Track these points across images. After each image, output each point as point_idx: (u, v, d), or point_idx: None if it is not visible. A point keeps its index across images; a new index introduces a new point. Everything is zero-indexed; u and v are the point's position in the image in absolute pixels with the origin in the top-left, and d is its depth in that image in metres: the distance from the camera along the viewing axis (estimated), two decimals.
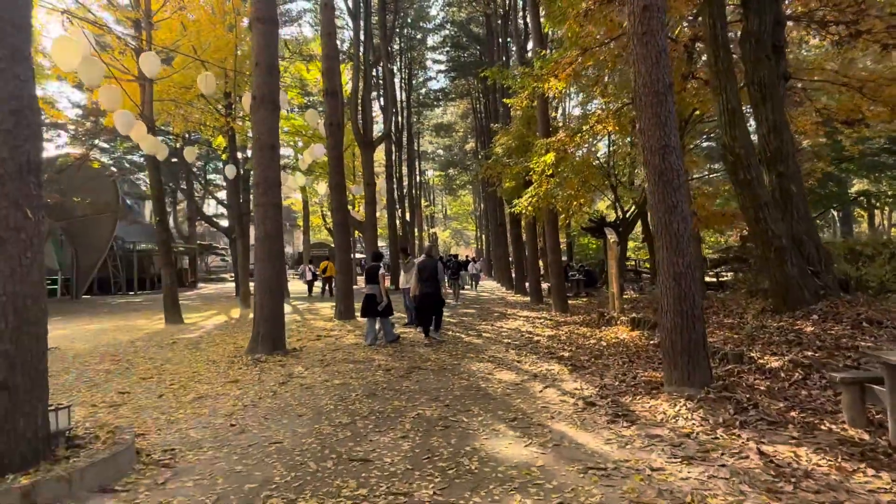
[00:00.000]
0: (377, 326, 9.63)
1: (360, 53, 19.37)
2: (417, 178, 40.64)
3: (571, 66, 11.56)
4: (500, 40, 24.55)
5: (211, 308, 20.05)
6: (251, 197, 8.82)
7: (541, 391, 5.94)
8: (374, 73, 24.41)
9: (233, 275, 29.12)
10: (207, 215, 38.56)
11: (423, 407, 5.43)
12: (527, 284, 22.64)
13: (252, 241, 9.91)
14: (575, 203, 11.28)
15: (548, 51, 12.74)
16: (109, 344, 10.75)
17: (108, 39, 14.64)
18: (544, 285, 18.61)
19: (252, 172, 8.87)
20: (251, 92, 8.97)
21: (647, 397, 5.35)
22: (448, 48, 33.13)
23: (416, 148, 38.55)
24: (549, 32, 15.07)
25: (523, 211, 12.06)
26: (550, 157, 11.00)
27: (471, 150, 42.01)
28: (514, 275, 22.87)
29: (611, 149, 17.16)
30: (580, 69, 11.76)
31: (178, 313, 14.41)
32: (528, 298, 18.92)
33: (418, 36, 33.20)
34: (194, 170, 38.74)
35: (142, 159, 38.02)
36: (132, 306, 22.35)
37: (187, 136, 30.23)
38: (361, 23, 19.59)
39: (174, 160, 33.24)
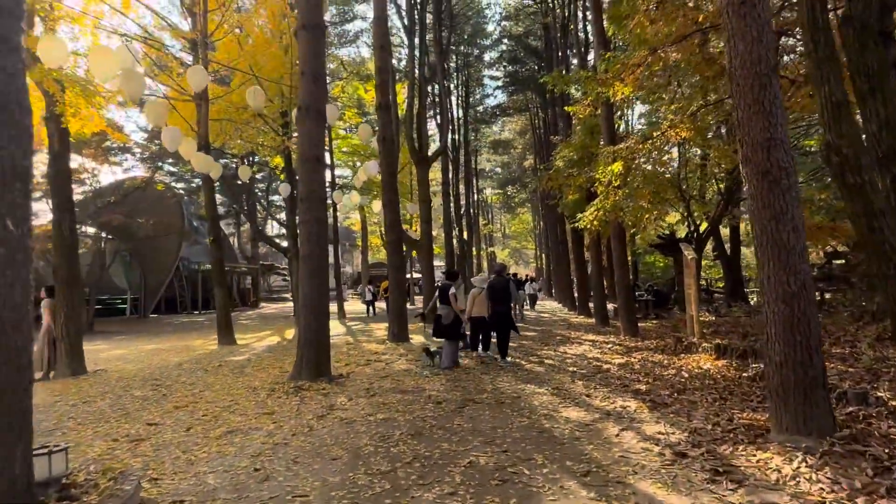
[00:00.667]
0: (452, 349, 9.08)
1: (416, 69, 18.98)
2: (475, 196, 40.01)
3: (639, 67, 10.63)
4: (560, 53, 23.75)
5: (267, 328, 19.92)
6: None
7: (617, 435, 5.01)
8: (429, 90, 24.07)
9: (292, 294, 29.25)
10: (268, 236, 39.17)
11: (476, 452, 4.62)
12: (591, 305, 21.50)
13: None
14: (646, 216, 10.27)
15: (611, 54, 11.85)
16: (157, 366, 10.49)
17: (165, 60, 14.79)
18: (609, 306, 17.44)
19: (297, 187, 8.41)
20: (297, 103, 8.54)
21: (752, 447, 4.34)
22: (505, 63, 32.55)
23: (473, 166, 38.00)
24: (613, 37, 14.16)
25: (587, 226, 11.13)
26: (618, 167, 10.06)
27: (529, 166, 41.13)
28: (576, 295, 21.71)
29: (684, 156, 15.90)
30: (648, 71, 10.81)
31: (231, 334, 14.18)
32: (592, 320, 17.77)
33: (475, 52, 32.79)
34: (257, 191, 39.61)
35: (216, 184, 39.28)
36: (193, 325, 22.57)
37: (251, 158, 30.85)
38: (416, 39, 19.23)
39: (238, 182, 34.04)
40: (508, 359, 9.45)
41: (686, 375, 7.55)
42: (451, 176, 26.37)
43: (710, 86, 11.05)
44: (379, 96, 14.07)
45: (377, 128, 14.43)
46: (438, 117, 24.49)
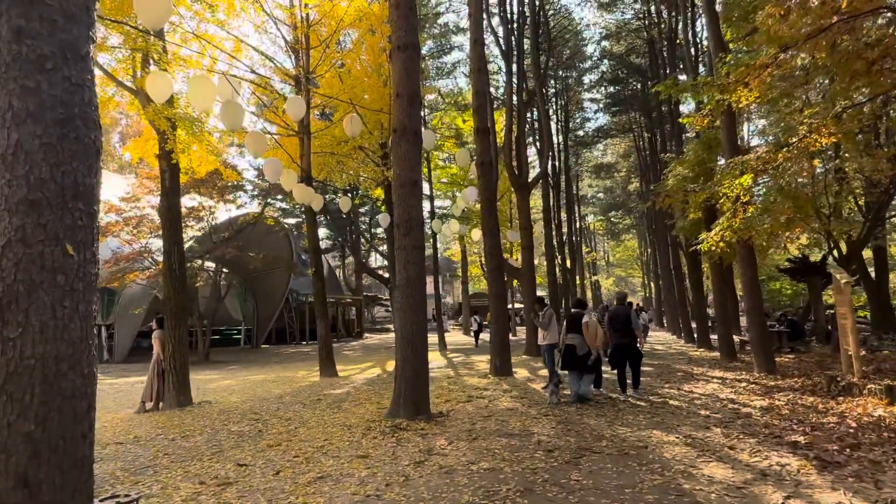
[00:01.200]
0: (580, 379, 8.62)
1: (514, 94, 18.50)
2: (577, 222, 38.64)
3: (767, 69, 9.42)
4: (667, 69, 22.42)
5: (368, 359, 19.83)
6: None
7: None
8: (528, 116, 23.52)
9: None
10: (371, 268, 39.94)
11: None
12: (714, 337, 19.55)
13: None
14: (786, 234, 8.89)
15: (732, 56, 10.68)
16: (259, 398, 10.42)
17: (271, 97, 15.34)
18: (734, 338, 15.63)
19: (394, 213, 8.04)
20: (391, 126, 8.22)
21: None
22: (606, 84, 31.40)
23: (574, 191, 36.78)
24: (732, 41, 12.92)
25: (711, 248, 9.87)
26: (747, 179, 8.85)
27: (634, 190, 39.22)
28: (693, 325, 19.87)
29: (828, 166, 14.01)
30: (779, 72, 9.56)
31: (333, 366, 14.06)
32: (715, 354, 16.03)
33: (574, 75, 31.95)
34: (360, 224, 40.72)
35: (320, 217, 41.02)
36: (300, 356, 23.00)
37: (353, 191, 31.70)
38: (514, 63, 18.80)
39: (343, 215, 35.10)
40: (638, 391, 9.01)
41: (854, 425, 6.19)
42: (551, 202, 25.47)
43: (856, 84, 9.59)
44: (477, 120, 13.66)
45: (475, 154, 14.00)
46: (538, 143, 23.82)
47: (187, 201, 21.74)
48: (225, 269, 28.48)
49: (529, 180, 18.84)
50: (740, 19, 12.18)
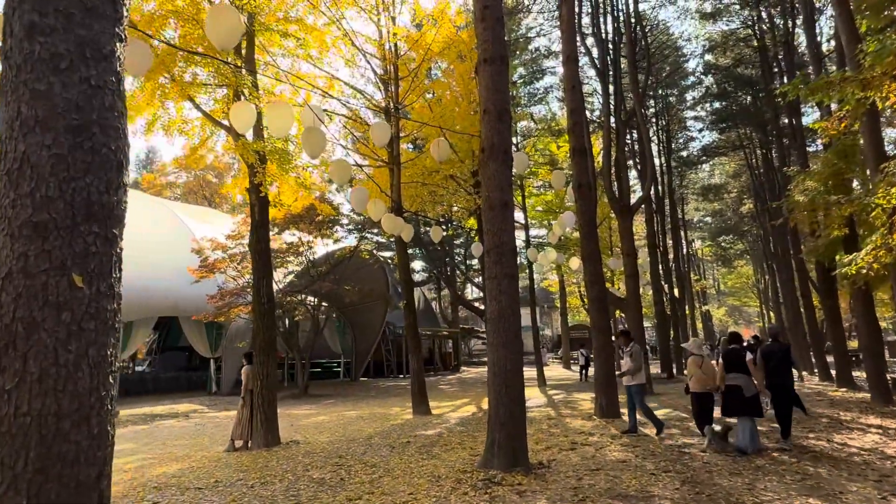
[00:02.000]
0: (750, 426, 7.60)
1: (611, 114, 17.46)
2: (684, 248, 36.11)
3: None
4: (783, 78, 20.47)
5: (465, 395, 19.05)
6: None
7: None
8: (627, 137, 22.22)
9: None
10: (467, 300, 39.40)
11: None
12: (856, 374, 17.04)
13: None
14: None
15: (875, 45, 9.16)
16: (348, 438, 9.94)
17: (361, 130, 15.36)
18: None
19: (486, 234, 7.36)
20: (480, 144, 7.61)
21: None
22: (710, 99, 29.34)
23: (680, 216, 34.45)
24: (867, 33, 11.26)
25: (864, 270, 8.28)
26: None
27: (747, 212, 36.20)
28: (832, 360, 17.42)
29: None
30: None
31: (426, 403, 13.44)
32: (863, 395, 13.78)
33: (675, 93, 30.17)
34: (455, 255, 40.52)
35: (416, 249, 41.35)
36: (396, 390, 22.65)
37: (448, 223, 31.53)
38: (611, 82, 17.81)
39: (437, 248, 35.02)
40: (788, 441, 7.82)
41: None
42: (656, 227, 23.78)
43: None
44: (573, 140, 12.81)
45: (571, 177, 13.11)
46: (638, 165, 22.44)
47: (287, 237, 22.37)
48: (324, 304, 29.11)
49: (631, 203, 17.57)
50: (877, 9, 10.60)
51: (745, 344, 9.61)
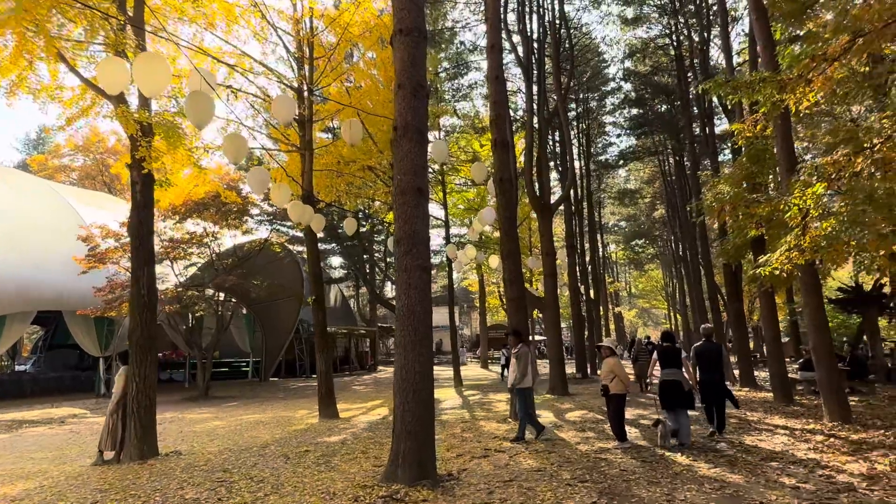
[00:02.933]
0: (686, 420, 8.08)
1: (534, 111, 17.20)
2: (600, 251, 36.93)
3: (834, 63, 7.98)
4: (698, 87, 21.01)
5: (378, 396, 18.24)
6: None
7: None
8: (549, 137, 22.18)
9: None
10: (385, 298, 38.47)
11: None
12: (758, 375, 17.69)
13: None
14: (882, 253, 7.22)
15: (791, 49, 9.26)
16: (240, 447, 8.92)
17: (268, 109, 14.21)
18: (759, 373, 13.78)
19: (393, 227, 6.66)
20: (393, 123, 6.89)
21: None
22: (628, 105, 30.05)
23: (596, 219, 35.16)
24: (783, 38, 11.53)
25: (777, 271, 8.24)
26: (820, 188, 7.32)
27: (660, 217, 37.57)
28: (735, 361, 18.01)
29: None
30: (850, 63, 8.10)
31: (333, 405, 12.56)
32: (765, 395, 14.20)
33: (594, 96, 30.66)
34: (374, 252, 39.55)
35: (333, 245, 39.94)
36: (306, 391, 21.45)
37: (366, 218, 30.52)
38: (535, 79, 17.56)
39: (356, 242, 33.89)
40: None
41: None
42: (574, 228, 23.93)
43: None
44: (495, 133, 12.35)
45: (493, 170, 12.64)
46: (559, 166, 22.45)
47: (190, 226, 20.69)
48: (233, 299, 27.35)
49: (552, 202, 17.41)
50: (792, 15, 10.79)
51: (678, 343, 9.91)
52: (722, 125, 23.71)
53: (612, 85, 31.08)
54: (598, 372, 13.37)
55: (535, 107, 16.98)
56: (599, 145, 34.59)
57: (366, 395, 19.41)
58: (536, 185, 17.18)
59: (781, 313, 24.10)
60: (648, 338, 22.88)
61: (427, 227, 6.69)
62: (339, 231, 37.86)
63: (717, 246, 17.40)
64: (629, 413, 10.88)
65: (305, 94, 13.35)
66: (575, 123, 29.68)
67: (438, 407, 14.27)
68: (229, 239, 22.52)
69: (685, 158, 27.14)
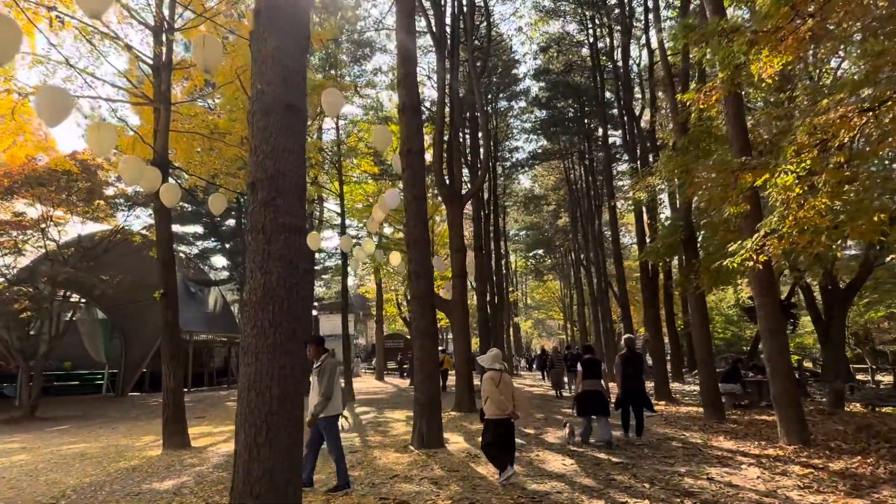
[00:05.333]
0: (597, 426, 8.72)
1: (446, 90, 15.20)
2: (504, 258, 35.72)
3: (809, 20, 6.61)
4: (619, 86, 20.09)
5: None
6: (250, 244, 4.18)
7: None
8: (461, 129, 20.32)
9: None
10: None
11: None
12: (674, 388, 16.68)
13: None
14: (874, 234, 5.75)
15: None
16: (33, 498, 6.01)
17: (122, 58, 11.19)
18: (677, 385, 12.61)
19: (253, 156, 4.22)
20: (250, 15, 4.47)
21: None
22: (537, 107, 29.05)
23: (501, 225, 33.87)
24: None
25: (748, 260, 6.64)
26: (809, 160, 5.79)
27: (563, 225, 37.07)
28: (653, 372, 16.90)
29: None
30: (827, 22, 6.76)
31: (182, 432, 9.70)
32: (691, 409, 13.00)
33: (504, 95, 29.40)
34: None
35: (217, 243, 35.73)
36: None
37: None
38: (447, 56, 15.60)
39: (243, 241, 30.29)
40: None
41: None
42: (482, 229, 22.20)
43: None
44: (403, 95, 10.16)
45: (400, 140, 10.41)
46: (470, 157, 20.66)
47: (21, 207, 16.73)
48: (82, 300, 22.96)
49: (463, 193, 15.48)
50: None
51: (576, 353, 11.74)
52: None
53: (523, 85, 30.07)
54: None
55: (447, 85, 15.00)
56: (506, 150, 33.45)
57: (229, 415, 16.37)
58: (447, 173, 15.20)
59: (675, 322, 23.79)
60: (569, 347, 22.07)
61: (302, 167, 4.33)
62: (222, 227, 34.02)
63: (631, 250, 16.28)
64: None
65: (164, 34, 10.46)
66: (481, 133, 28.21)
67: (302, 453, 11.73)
68: (78, 226, 18.57)
69: (594, 163, 26.46)
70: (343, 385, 15.95)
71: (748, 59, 7.46)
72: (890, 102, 5.26)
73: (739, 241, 6.87)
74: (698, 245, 12.06)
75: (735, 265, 6.85)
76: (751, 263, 6.72)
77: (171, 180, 10.44)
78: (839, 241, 6.64)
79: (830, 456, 7.12)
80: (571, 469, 6.95)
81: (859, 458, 6.91)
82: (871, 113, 5.69)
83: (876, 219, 5.44)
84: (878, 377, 21.05)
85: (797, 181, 5.87)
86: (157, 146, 10.13)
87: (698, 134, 10.16)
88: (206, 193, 17.90)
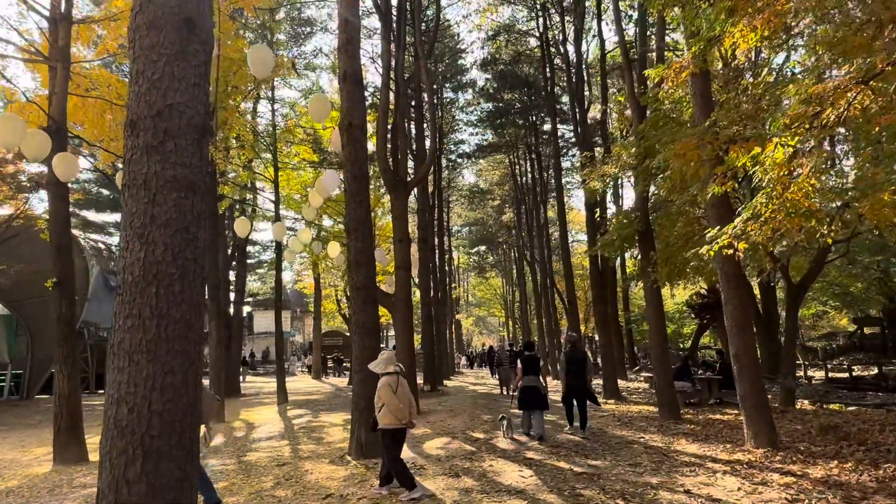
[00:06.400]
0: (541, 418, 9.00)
1: (391, 66, 14.16)
2: (448, 253, 34.90)
3: None
4: (571, 74, 19.53)
5: None
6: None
7: None
8: (406, 112, 19.29)
9: None
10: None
11: None
12: (622, 385, 16.29)
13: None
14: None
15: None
16: None
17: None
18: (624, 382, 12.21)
19: (133, 86, 3.13)
20: None
21: None
22: (483, 101, 28.36)
23: (445, 221, 33.01)
24: None
25: (727, 250, 5.99)
26: (800, 134, 5.18)
27: (509, 221, 36.61)
28: (599, 370, 16.46)
29: None
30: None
31: (79, 444, 8.30)
32: (644, 409, 12.52)
33: (449, 86, 28.53)
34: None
35: None
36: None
37: None
38: (393, 29, 14.54)
39: None
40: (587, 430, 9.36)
41: None
42: (427, 220, 21.24)
43: None
44: (344, 62, 9.07)
45: (340, 113, 9.31)
46: (415, 145, 19.65)
47: None
48: None
49: (408, 180, 14.47)
50: None
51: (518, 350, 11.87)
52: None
53: (469, 76, 29.29)
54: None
55: (392, 59, 13.94)
56: (451, 142, 32.63)
57: None
58: (391, 158, 14.16)
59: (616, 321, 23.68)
60: (512, 344, 21.67)
61: (202, 104, 3.25)
62: None
63: (576, 247, 15.77)
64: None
65: None
66: (428, 116, 27.27)
67: (251, 437, 10.52)
68: None
69: (540, 156, 26.00)
70: (214, 394, 14.74)
71: (724, 32, 6.85)
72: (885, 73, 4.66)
73: (718, 228, 6.20)
74: (654, 237, 11.56)
75: (712, 254, 6.19)
76: (730, 252, 6.07)
77: (77, 156, 8.95)
78: (836, 227, 6.07)
79: (805, 461, 6.59)
80: (532, 483, 6.11)
81: (836, 462, 6.40)
82: (866, 84, 5.11)
83: (886, 197, 4.85)
84: (810, 373, 21.51)
85: (786, 159, 5.23)
86: (51, 111, 8.65)
87: (660, 118, 9.59)
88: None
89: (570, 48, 18.36)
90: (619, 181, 19.06)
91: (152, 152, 2.98)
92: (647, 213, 11.39)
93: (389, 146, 14.51)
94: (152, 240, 2.92)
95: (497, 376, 18.76)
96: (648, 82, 9.81)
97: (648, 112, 10.77)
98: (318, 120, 8.68)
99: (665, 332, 11.38)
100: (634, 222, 11.12)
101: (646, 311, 12.40)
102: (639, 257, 11.95)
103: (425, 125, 19.60)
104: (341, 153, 9.03)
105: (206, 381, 20.53)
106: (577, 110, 16.37)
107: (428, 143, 19.91)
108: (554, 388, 15.98)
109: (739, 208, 6.01)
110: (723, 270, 7.96)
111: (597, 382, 18.19)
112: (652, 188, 12.11)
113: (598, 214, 16.07)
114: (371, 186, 15.15)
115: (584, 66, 17.68)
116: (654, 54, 11.65)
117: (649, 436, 9.01)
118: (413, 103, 19.93)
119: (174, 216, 2.97)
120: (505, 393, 16.41)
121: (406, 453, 8.11)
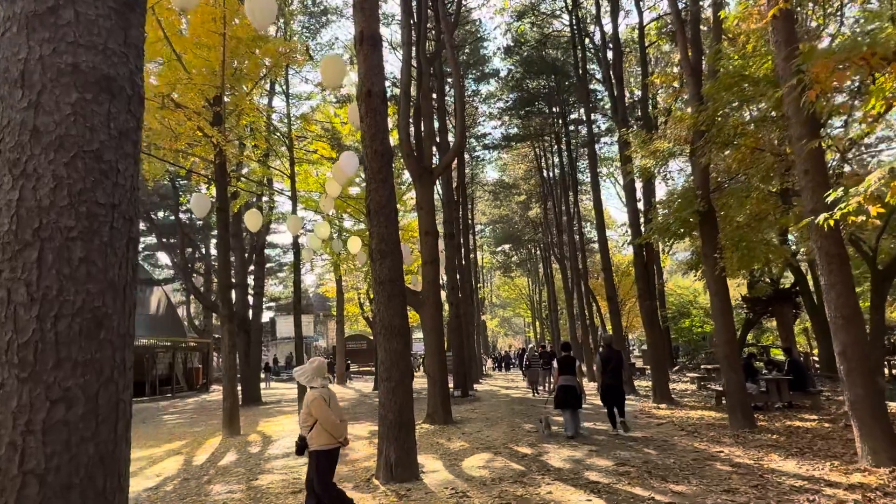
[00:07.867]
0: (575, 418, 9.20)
1: (413, 42, 12.95)
2: (473, 252, 33.57)
3: None
4: (600, 55, 18.15)
5: (186, 433, 12.76)
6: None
7: None
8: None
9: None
10: (213, 300, 31.88)
11: None
12: (679, 388, 14.82)
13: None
14: None
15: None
16: None
17: None
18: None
19: None
20: None
21: None
22: (507, 91, 27.07)
23: (470, 217, 31.71)
24: None
25: (859, 212, 4.67)
26: None
27: (536, 216, 35.23)
28: (647, 372, 14.99)
29: None
30: None
31: None
32: (706, 414, 11.09)
33: (471, 76, 27.27)
34: (199, 244, 33.26)
35: (152, 238, 32.70)
36: None
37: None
38: (414, 5, 13.35)
39: (182, 233, 27.43)
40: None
41: None
42: (453, 214, 19.98)
43: None
44: (361, 22, 7.86)
45: (359, 81, 8.09)
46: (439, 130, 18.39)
47: None
48: None
49: (434, 167, 13.22)
50: None
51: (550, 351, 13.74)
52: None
53: (491, 66, 28.00)
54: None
55: (413, 35, 12.73)
56: (474, 136, 31.35)
57: (171, 429, 13.79)
58: (415, 142, 12.95)
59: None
60: (544, 346, 20.69)
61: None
62: (156, 220, 31.08)
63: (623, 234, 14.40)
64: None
65: None
66: (454, 94, 26.07)
67: (265, 453, 9.33)
68: None
69: (571, 145, 24.57)
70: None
71: None
72: None
73: (842, 187, 4.81)
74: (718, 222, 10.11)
75: (839, 216, 4.80)
76: (860, 218, 4.69)
77: None
78: None
79: None
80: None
81: None
82: None
83: None
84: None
85: None
86: None
87: (732, 75, 8.16)
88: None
89: (606, 20, 16.98)
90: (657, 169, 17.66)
91: (37, 25, 1.76)
92: (708, 192, 9.98)
93: (413, 130, 13.31)
94: (34, 171, 1.69)
95: (527, 378, 18.92)
96: (713, 42, 8.38)
97: (706, 80, 9.35)
98: (331, 85, 7.53)
99: (734, 328, 9.92)
100: (697, 201, 9.70)
101: (710, 304, 10.89)
102: (699, 244, 10.50)
103: (447, 117, 18.42)
104: (360, 126, 7.81)
105: (262, 382, 19.44)
106: (614, 89, 14.98)
107: (454, 122, 18.64)
108: (591, 391, 14.62)
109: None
110: (822, 249, 6.54)
111: (644, 385, 16.83)
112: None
113: (639, 201, 14.70)
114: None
115: (619, 41, 16.25)
116: (711, 10, 10.23)
117: (728, 449, 7.61)
118: (434, 92, 18.77)
119: (74, 132, 1.74)
120: (534, 395, 16.27)
121: (444, 475, 6.86)
